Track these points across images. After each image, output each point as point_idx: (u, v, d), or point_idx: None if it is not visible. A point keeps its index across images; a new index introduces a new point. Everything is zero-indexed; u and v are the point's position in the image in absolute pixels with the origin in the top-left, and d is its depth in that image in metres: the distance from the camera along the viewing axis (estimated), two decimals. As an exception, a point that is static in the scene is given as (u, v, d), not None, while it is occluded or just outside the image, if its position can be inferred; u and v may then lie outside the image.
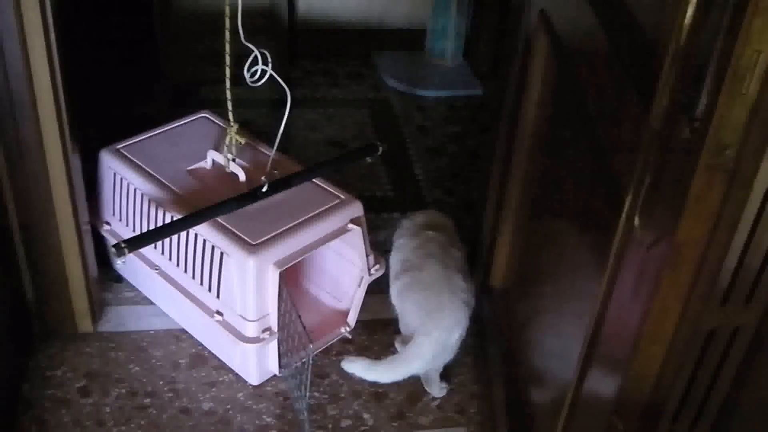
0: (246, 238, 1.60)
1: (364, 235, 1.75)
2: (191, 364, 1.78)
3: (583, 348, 1.10)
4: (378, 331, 1.88)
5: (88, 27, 2.85)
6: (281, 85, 1.60)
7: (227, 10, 1.54)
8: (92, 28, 2.90)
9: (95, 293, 1.83)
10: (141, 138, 1.89)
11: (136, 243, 1.54)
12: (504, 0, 2.75)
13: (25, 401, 1.66)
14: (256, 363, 1.70)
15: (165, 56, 2.76)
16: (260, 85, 1.59)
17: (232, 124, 1.72)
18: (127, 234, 1.75)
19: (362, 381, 1.68)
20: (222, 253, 1.61)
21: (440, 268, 1.73)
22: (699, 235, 0.86)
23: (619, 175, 1.00)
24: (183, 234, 1.67)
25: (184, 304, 1.72)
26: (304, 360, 1.60)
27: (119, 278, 1.97)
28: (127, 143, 1.87)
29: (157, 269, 1.77)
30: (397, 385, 1.71)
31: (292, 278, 1.86)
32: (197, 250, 1.66)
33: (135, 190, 1.77)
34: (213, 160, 1.81)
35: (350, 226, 1.73)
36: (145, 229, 1.73)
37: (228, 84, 1.65)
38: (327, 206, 1.72)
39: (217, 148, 1.80)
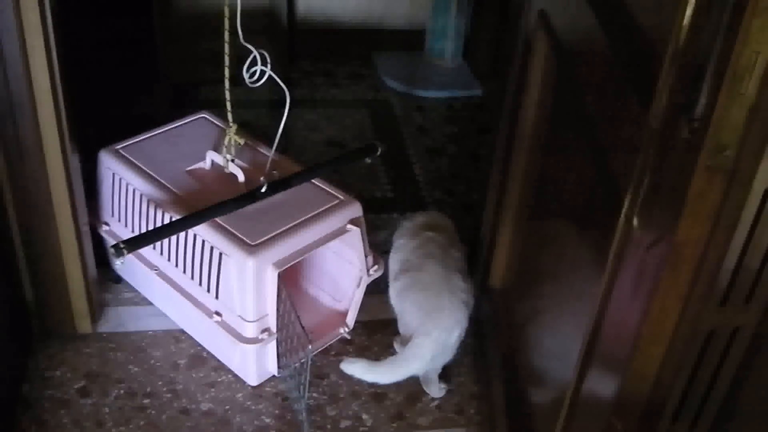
0: (245, 239, 1.60)
1: (363, 236, 1.75)
2: (190, 365, 1.78)
3: (583, 348, 1.10)
4: (377, 331, 1.88)
5: (87, 27, 2.85)
6: (280, 86, 1.60)
7: (226, 10, 1.54)
8: (92, 29, 2.90)
9: (94, 294, 1.83)
10: (140, 138, 1.89)
11: (135, 244, 1.54)
12: (504, 0, 2.76)
13: (24, 401, 1.66)
14: (255, 363, 1.70)
15: (164, 57, 2.76)
16: (259, 86, 1.59)
17: (231, 124, 1.72)
18: (126, 234, 1.75)
19: (361, 381, 1.68)
20: (221, 254, 1.61)
21: (440, 268, 1.73)
22: (698, 236, 0.86)
23: (618, 176, 1.00)
24: (182, 235, 1.67)
25: (183, 305, 1.72)
26: (303, 360, 1.60)
27: (118, 279, 1.97)
28: (126, 144, 1.87)
29: (156, 270, 1.77)
30: (396, 385, 1.71)
31: (291, 279, 1.86)
32: (196, 251, 1.66)
33: (134, 190, 1.77)
34: (212, 161, 1.81)
35: (349, 226, 1.73)
36: (144, 230, 1.72)
37: (227, 84, 1.64)
38: (326, 207, 1.72)
39: (217, 149, 1.80)
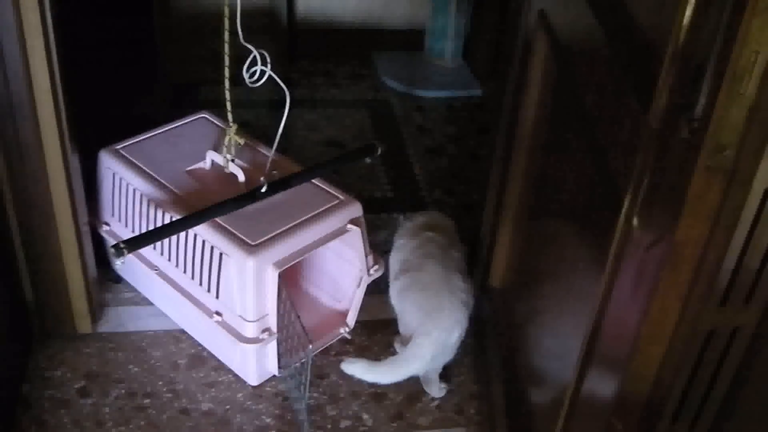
0: (245, 239, 1.60)
1: (363, 236, 1.75)
2: (190, 365, 1.78)
3: (583, 348, 1.10)
4: (377, 331, 1.88)
5: (87, 27, 2.85)
6: (280, 86, 1.60)
7: (226, 10, 1.54)
8: (92, 29, 2.89)
9: (94, 294, 1.83)
10: (140, 138, 1.89)
11: (135, 244, 1.54)
12: (503, 0, 2.76)
13: (24, 402, 1.66)
14: (255, 363, 1.70)
15: (164, 57, 2.76)
16: (259, 86, 1.59)
17: (231, 124, 1.72)
18: (126, 234, 1.75)
19: (361, 381, 1.68)
20: (221, 254, 1.61)
21: (440, 268, 1.73)
22: (698, 235, 0.86)
23: (617, 175, 1.00)
24: (182, 234, 1.67)
25: (183, 305, 1.72)
26: (303, 360, 1.60)
27: (118, 279, 1.97)
28: (127, 144, 1.87)
29: (156, 270, 1.77)
30: (396, 385, 1.71)
31: (291, 279, 1.86)
32: (196, 251, 1.66)
33: (134, 190, 1.77)
34: (212, 161, 1.81)
35: (349, 226, 1.73)
36: (144, 230, 1.72)
37: (227, 84, 1.65)
38: (326, 207, 1.72)
39: (217, 149, 1.80)
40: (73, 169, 1.65)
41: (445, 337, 1.65)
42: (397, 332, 1.78)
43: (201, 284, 1.68)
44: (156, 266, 1.77)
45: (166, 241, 1.70)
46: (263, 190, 1.67)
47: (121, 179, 1.80)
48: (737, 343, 0.98)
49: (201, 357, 1.80)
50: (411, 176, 2.47)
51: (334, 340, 1.84)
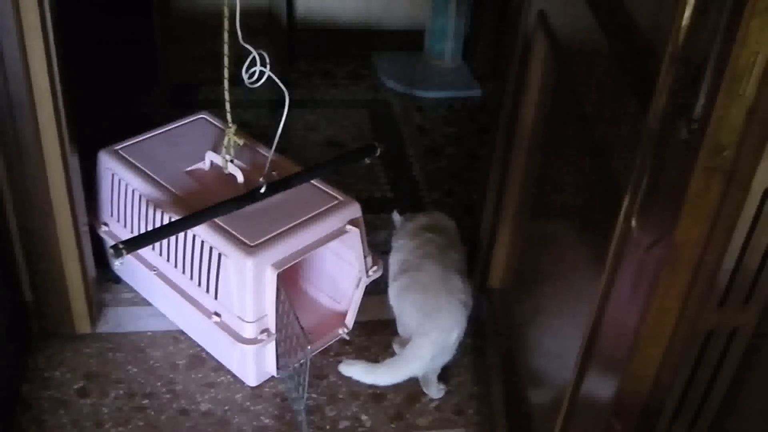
0: (244, 240, 1.60)
1: (362, 237, 1.75)
2: (189, 365, 1.78)
3: (582, 348, 1.10)
4: (376, 332, 1.88)
5: (87, 28, 2.85)
6: (280, 86, 1.60)
7: (226, 10, 1.54)
8: (91, 29, 2.89)
9: (93, 294, 1.83)
10: (139, 139, 1.89)
11: (134, 244, 1.54)
12: (503, 1, 2.75)
13: (24, 402, 1.66)
14: (254, 364, 1.70)
15: (164, 57, 2.76)
16: (259, 86, 1.59)
17: (230, 125, 1.72)
18: (125, 235, 1.75)
19: (360, 382, 1.68)
20: (220, 255, 1.61)
21: (438, 268, 1.73)
22: (697, 236, 0.86)
23: (617, 176, 1.00)
24: (181, 235, 1.66)
25: (182, 306, 1.72)
26: (302, 361, 1.60)
27: (117, 279, 1.96)
28: (126, 144, 1.87)
29: (155, 270, 1.77)
30: (395, 386, 1.71)
31: (290, 279, 1.86)
32: (195, 252, 1.66)
33: (133, 191, 1.77)
34: (211, 161, 1.81)
35: (348, 227, 1.73)
36: (143, 231, 1.72)
37: (226, 85, 1.64)
38: (325, 207, 1.72)
39: (216, 149, 1.80)
40: (73, 170, 1.65)
41: (444, 337, 1.65)
42: (396, 333, 1.78)
43: (200, 285, 1.68)
44: (155, 267, 1.77)
45: (165, 241, 1.70)
46: (262, 190, 1.67)
47: (120, 180, 1.80)
48: (736, 343, 0.98)
49: (200, 357, 1.80)
50: (410, 176, 2.47)
51: (333, 341, 1.84)
